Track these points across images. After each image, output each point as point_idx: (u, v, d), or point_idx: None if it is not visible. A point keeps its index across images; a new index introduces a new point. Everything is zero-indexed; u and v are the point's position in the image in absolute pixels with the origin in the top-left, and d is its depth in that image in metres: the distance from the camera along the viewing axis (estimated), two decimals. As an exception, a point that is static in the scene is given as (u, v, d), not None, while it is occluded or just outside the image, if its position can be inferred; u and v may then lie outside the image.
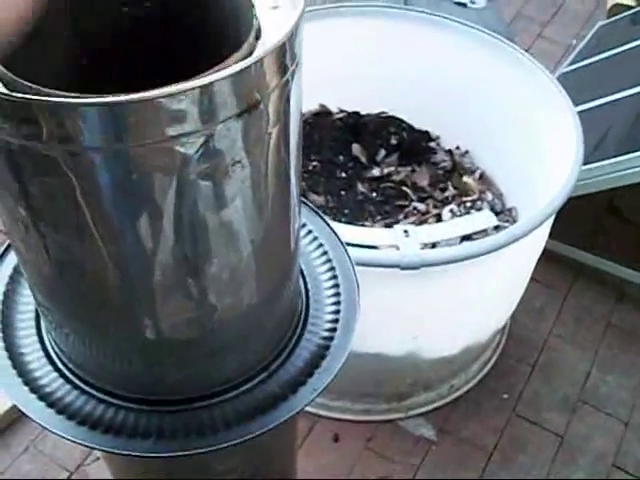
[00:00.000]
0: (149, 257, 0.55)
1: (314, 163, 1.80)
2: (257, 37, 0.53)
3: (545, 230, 1.39)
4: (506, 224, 1.72)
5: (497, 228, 1.69)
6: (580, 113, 1.56)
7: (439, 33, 1.76)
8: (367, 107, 1.92)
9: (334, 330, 0.76)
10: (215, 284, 0.60)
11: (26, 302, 0.76)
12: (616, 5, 2.80)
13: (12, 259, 0.79)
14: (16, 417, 1.59)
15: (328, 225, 0.83)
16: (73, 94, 0.45)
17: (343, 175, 1.81)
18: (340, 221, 1.68)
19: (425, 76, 1.83)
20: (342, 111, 1.93)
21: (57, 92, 0.45)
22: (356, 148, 1.86)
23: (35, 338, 0.73)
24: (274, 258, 0.65)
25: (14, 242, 0.60)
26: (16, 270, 0.78)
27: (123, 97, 0.44)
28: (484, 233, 1.44)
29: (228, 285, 0.60)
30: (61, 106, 0.44)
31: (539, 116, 1.63)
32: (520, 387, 1.76)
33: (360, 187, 1.78)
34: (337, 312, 0.77)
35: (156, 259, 0.55)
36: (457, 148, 1.89)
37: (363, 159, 1.85)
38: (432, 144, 1.90)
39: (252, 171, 0.53)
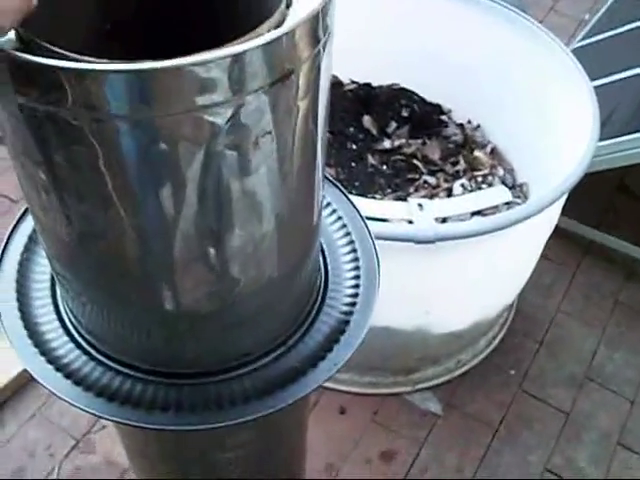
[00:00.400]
0: (172, 228, 0.54)
1: (325, 134, 1.78)
2: (288, 5, 0.52)
3: (557, 208, 1.38)
4: (517, 200, 1.71)
5: (508, 204, 1.68)
6: (597, 88, 1.54)
7: (453, 5, 1.74)
8: (379, 79, 1.90)
9: (354, 305, 0.75)
10: (238, 257, 0.59)
11: (42, 271, 0.75)
12: (631, -21, 2.76)
13: (27, 228, 0.78)
14: (23, 383, 1.59)
15: (349, 199, 0.82)
16: (100, 60, 0.44)
17: (354, 147, 1.79)
18: (351, 193, 1.67)
19: (437, 49, 1.81)
20: (353, 82, 1.91)
21: (84, 58, 0.44)
22: (367, 120, 1.84)
23: (51, 308, 0.72)
24: (297, 232, 0.64)
25: (33, 209, 0.59)
26: (31, 239, 0.77)
27: (152, 64, 0.43)
28: (495, 209, 1.43)
29: (250, 258, 0.59)
30: (88, 72, 0.43)
31: (554, 91, 1.61)
32: (527, 363, 1.76)
33: (371, 159, 1.77)
34: (356, 287, 0.76)
35: (179, 230, 0.54)
36: (469, 122, 1.88)
37: (374, 131, 1.84)
38: (443, 117, 1.89)
39: (280, 143, 0.52)
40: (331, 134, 1.77)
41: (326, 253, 0.77)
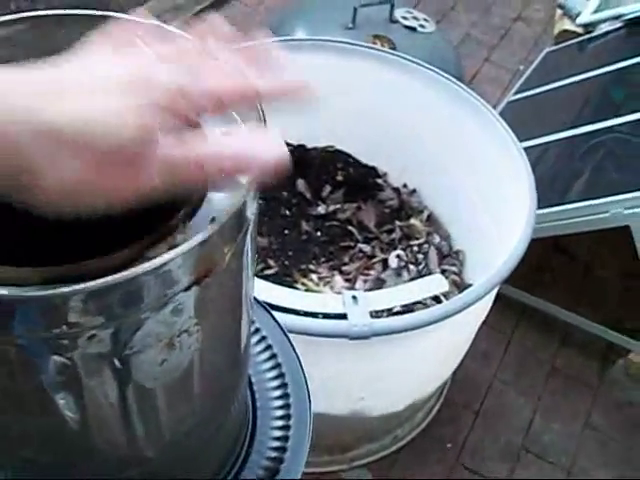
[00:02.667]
0: (86, 423, 0.49)
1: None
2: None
3: (495, 290, 1.35)
4: (453, 267, 1.69)
5: (443, 272, 1.66)
6: (527, 149, 1.53)
7: (386, 68, 1.71)
8: (313, 141, 1.86)
9: (284, 450, 0.70)
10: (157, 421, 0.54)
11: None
12: (564, 31, 2.80)
13: None
14: None
15: (278, 325, 0.78)
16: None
17: (287, 213, 1.75)
18: (284, 263, 1.62)
19: (373, 111, 1.78)
20: (287, 144, 1.86)
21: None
22: (301, 184, 1.80)
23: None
24: (221, 380, 0.59)
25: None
26: None
27: (60, 289, 0.38)
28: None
29: (171, 416, 0.55)
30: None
31: (488, 157, 1.59)
32: (464, 435, 1.73)
33: (305, 226, 1.72)
34: (287, 428, 0.72)
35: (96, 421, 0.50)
36: (404, 186, 1.85)
37: (308, 195, 1.79)
38: (379, 181, 1.85)
39: (201, 334, 0.47)
40: (263, 200, 1.73)
41: (255, 389, 0.72)
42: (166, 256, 0.39)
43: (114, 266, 0.40)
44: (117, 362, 0.45)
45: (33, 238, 0.53)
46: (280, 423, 0.71)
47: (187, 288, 0.42)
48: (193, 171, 0.40)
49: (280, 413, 0.72)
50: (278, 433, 0.71)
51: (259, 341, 0.76)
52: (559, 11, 2.90)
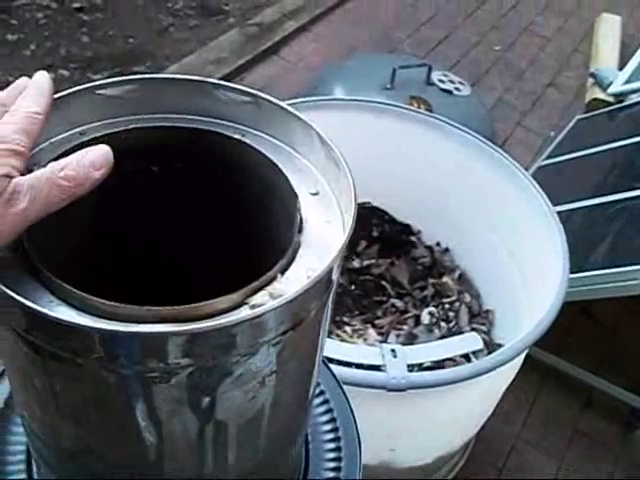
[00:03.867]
0: (168, 454, 0.54)
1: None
2: (300, 230, 0.52)
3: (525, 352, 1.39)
4: (482, 326, 1.73)
5: (473, 330, 1.69)
6: (560, 213, 1.57)
7: (422, 129, 1.77)
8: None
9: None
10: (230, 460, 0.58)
11: (17, 441, 0.74)
12: (595, 100, 2.86)
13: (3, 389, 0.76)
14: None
15: (341, 388, 0.82)
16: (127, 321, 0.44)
17: (323, 265, 1.80)
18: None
19: (409, 170, 1.84)
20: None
21: (110, 308, 0.44)
22: (337, 238, 1.85)
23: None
24: (288, 423, 0.64)
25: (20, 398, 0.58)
26: (7, 404, 0.76)
27: (167, 328, 0.44)
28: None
29: (235, 456, 0.59)
30: (115, 334, 0.43)
31: (520, 218, 1.64)
32: (486, 492, 1.76)
33: (340, 279, 1.77)
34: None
35: (173, 452, 0.54)
36: (437, 244, 1.90)
37: (344, 249, 1.84)
38: (413, 238, 1.91)
39: (283, 376, 0.52)
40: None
41: (309, 442, 0.77)
42: (269, 305, 0.44)
43: (218, 310, 0.46)
44: (207, 399, 0.50)
45: (135, 284, 0.58)
46: (332, 465, 0.76)
47: (279, 335, 0.47)
48: (50, 191, 0.47)
49: (332, 455, 0.77)
50: (330, 474, 0.75)
51: (322, 403, 0.81)
52: (590, 80, 2.97)
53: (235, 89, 0.58)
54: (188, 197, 0.60)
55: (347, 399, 0.80)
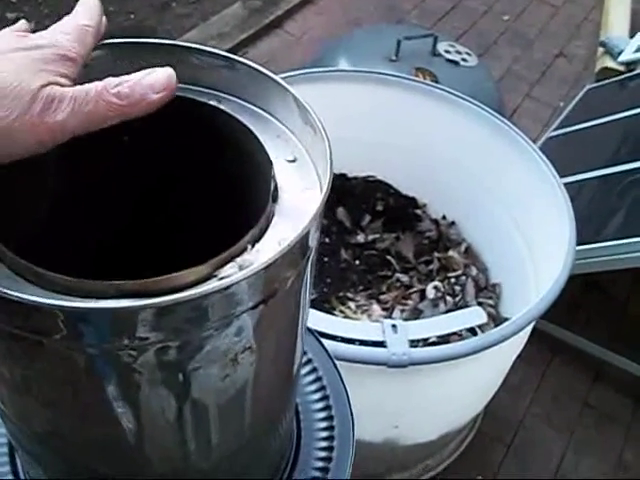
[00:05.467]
0: (145, 433, 0.52)
1: (298, 227, 1.77)
2: (274, 199, 0.49)
3: (532, 325, 1.36)
4: (489, 300, 1.70)
5: (480, 304, 1.67)
6: (568, 185, 1.54)
7: (428, 101, 1.73)
8: (354, 170, 1.89)
9: (326, 471, 0.72)
10: (212, 433, 0.56)
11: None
12: (605, 69, 2.81)
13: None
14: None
15: (324, 349, 0.80)
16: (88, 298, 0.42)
17: (327, 240, 1.77)
18: (322, 290, 1.65)
19: (414, 143, 1.81)
20: (328, 173, 1.90)
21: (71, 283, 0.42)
22: (341, 212, 1.83)
23: (8, 468, 0.69)
24: (272, 400, 0.61)
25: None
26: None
27: (132, 303, 0.41)
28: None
29: (224, 428, 0.57)
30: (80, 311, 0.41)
31: (527, 190, 1.61)
32: (494, 468, 1.73)
33: (343, 254, 1.75)
34: (330, 449, 0.74)
35: (152, 433, 0.52)
36: (444, 218, 1.87)
37: (347, 224, 1.82)
38: (418, 211, 1.88)
39: (261, 353, 0.50)
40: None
41: (301, 415, 0.75)
42: (237, 276, 0.42)
43: (185, 283, 0.43)
44: (180, 376, 0.47)
45: (109, 253, 0.56)
46: (324, 444, 0.74)
47: (252, 308, 0.45)
48: (96, 106, 0.44)
49: (324, 434, 0.74)
50: (322, 454, 0.73)
51: (305, 363, 0.79)
52: (601, 49, 2.92)
53: (210, 53, 0.55)
54: (162, 166, 0.57)
55: (340, 375, 0.78)
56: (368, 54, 2.16)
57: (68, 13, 0.51)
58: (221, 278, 0.43)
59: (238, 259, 0.44)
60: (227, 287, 0.42)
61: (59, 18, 0.50)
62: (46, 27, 0.49)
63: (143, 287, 0.43)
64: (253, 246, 0.45)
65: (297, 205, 0.49)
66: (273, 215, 0.48)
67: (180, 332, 0.43)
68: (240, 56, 0.55)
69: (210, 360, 0.46)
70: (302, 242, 0.45)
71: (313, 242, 0.48)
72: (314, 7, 2.99)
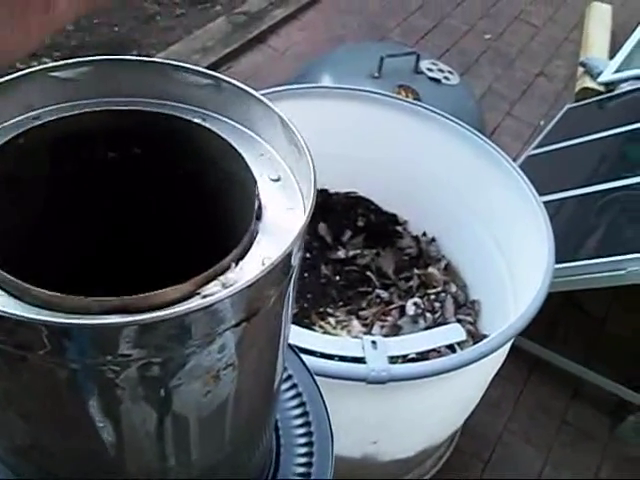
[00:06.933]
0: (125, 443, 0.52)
1: (279, 242, 1.77)
2: (258, 217, 0.50)
3: (510, 342, 1.37)
4: (468, 317, 1.71)
5: (459, 321, 1.68)
6: (547, 203, 1.55)
7: (410, 118, 1.75)
8: (336, 186, 1.90)
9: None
10: (193, 448, 0.57)
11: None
12: (585, 89, 2.84)
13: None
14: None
15: (304, 365, 0.80)
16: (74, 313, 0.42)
17: (307, 255, 1.78)
18: (303, 306, 1.65)
19: (396, 159, 1.82)
20: (310, 188, 1.90)
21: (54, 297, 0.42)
22: (322, 227, 1.83)
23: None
24: (252, 416, 0.62)
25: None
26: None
27: (116, 319, 0.42)
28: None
29: (205, 443, 0.57)
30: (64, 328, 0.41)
31: (507, 208, 1.62)
32: (472, 484, 1.74)
33: (324, 269, 1.76)
34: (309, 464, 0.74)
35: (133, 447, 0.52)
36: (424, 235, 1.88)
37: (328, 239, 1.83)
38: (399, 228, 1.89)
39: (242, 369, 0.50)
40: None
41: (280, 431, 0.75)
42: (221, 294, 0.42)
43: (168, 301, 0.44)
44: (162, 392, 0.48)
45: (93, 270, 0.56)
46: (303, 460, 0.74)
47: (235, 325, 0.45)
48: None
49: (303, 450, 0.75)
50: (301, 469, 0.73)
51: (285, 379, 0.79)
52: (581, 69, 2.95)
53: (195, 71, 0.56)
54: (147, 183, 0.58)
55: (320, 391, 0.78)
56: (351, 71, 2.18)
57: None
58: (204, 296, 0.44)
59: (221, 277, 0.45)
60: (210, 305, 0.42)
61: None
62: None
63: (126, 304, 0.43)
64: (237, 264, 0.46)
65: (280, 224, 0.49)
66: (257, 233, 0.48)
67: (163, 349, 0.44)
68: (223, 70, 0.56)
69: (192, 376, 0.47)
70: (285, 261, 0.46)
71: (295, 261, 0.49)
72: (298, 23, 3.00)
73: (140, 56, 0.58)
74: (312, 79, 2.15)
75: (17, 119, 0.55)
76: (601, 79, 2.81)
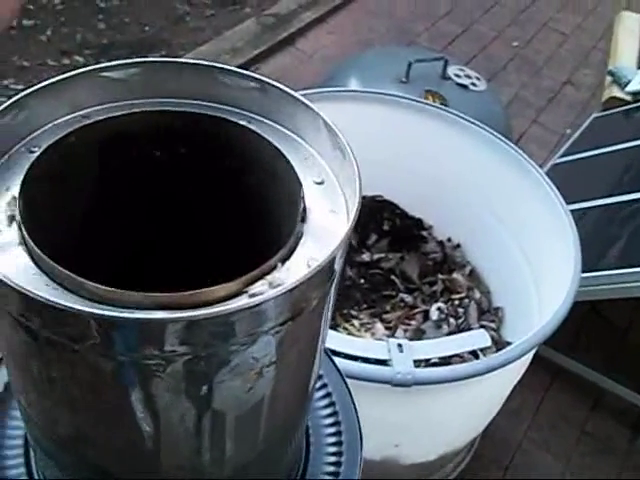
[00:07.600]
0: (162, 440, 0.53)
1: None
2: (303, 219, 0.51)
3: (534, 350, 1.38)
4: (491, 324, 1.72)
5: (482, 327, 1.68)
6: (572, 212, 1.55)
7: (437, 123, 1.76)
8: (363, 189, 1.90)
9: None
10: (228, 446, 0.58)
11: (15, 426, 0.73)
12: (612, 98, 2.83)
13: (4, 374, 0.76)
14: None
15: (335, 366, 0.81)
16: (124, 307, 0.43)
17: (333, 257, 1.79)
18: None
19: (422, 164, 1.82)
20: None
21: (107, 293, 0.43)
22: (348, 230, 1.84)
23: (23, 470, 0.70)
24: (287, 416, 0.63)
25: (18, 386, 0.57)
26: (6, 388, 0.75)
27: (165, 315, 0.43)
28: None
29: (240, 439, 0.58)
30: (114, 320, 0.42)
31: (533, 216, 1.62)
32: (491, 490, 1.75)
33: (349, 272, 1.77)
34: (336, 474, 0.75)
35: (170, 440, 0.53)
36: (449, 240, 1.88)
37: (354, 242, 1.84)
38: (424, 233, 1.89)
39: (282, 367, 0.51)
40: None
41: (310, 432, 0.76)
42: (269, 293, 0.43)
43: (216, 298, 0.45)
44: (205, 388, 0.49)
45: (141, 266, 0.57)
46: (332, 459, 0.75)
47: (279, 325, 0.46)
48: None
49: (333, 449, 0.76)
50: (329, 469, 0.74)
51: (320, 388, 0.80)
52: (609, 78, 2.94)
53: (242, 74, 0.57)
54: (191, 183, 0.59)
55: (350, 393, 0.79)
56: (379, 75, 2.18)
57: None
58: (251, 295, 0.45)
59: (268, 277, 0.46)
60: (258, 304, 0.43)
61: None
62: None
63: (175, 300, 0.44)
64: (283, 264, 0.47)
65: (324, 226, 0.50)
66: (302, 235, 0.49)
67: (208, 346, 0.45)
68: (252, 72, 0.57)
69: (236, 373, 0.48)
70: (330, 264, 0.47)
71: (339, 265, 0.50)
72: (326, 26, 3.02)
73: (168, 56, 0.59)
74: (340, 82, 2.16)
75: (66, 118, 0.56)
76: (629, 88, 2.80)
